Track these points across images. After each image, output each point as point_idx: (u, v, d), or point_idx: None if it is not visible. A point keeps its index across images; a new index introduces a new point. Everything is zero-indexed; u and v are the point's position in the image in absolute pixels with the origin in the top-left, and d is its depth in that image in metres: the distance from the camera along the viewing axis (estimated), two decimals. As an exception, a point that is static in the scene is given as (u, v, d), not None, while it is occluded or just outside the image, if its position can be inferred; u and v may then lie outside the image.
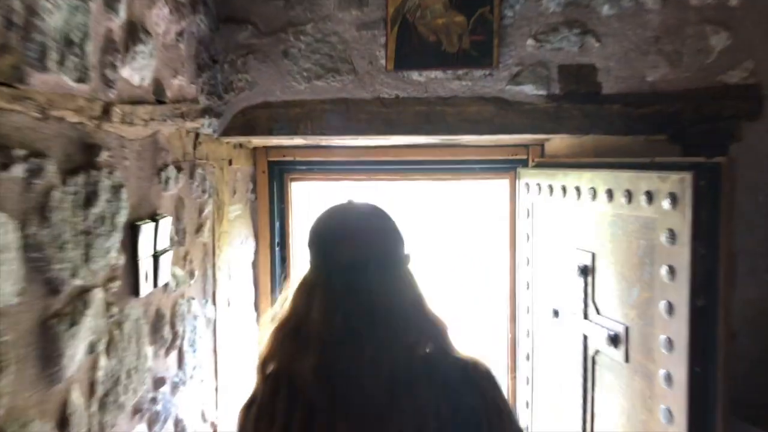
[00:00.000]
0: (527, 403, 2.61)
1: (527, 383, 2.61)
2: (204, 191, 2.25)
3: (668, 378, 1.72)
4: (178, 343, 1.99)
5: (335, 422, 1.01)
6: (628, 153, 2.20)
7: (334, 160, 2.81)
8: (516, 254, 2.69)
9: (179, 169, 1.98)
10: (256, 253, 2.88)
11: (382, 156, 2.77)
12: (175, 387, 1.98)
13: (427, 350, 1.09)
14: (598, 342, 2.05)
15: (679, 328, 1.68)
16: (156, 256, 1.68)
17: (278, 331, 1.12)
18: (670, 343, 1.71)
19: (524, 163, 2.69)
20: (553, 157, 2.55)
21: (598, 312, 2.07)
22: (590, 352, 2.12)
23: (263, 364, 1.13)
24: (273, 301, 2.93)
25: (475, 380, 1.08)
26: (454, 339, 1.14)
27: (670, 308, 1.71)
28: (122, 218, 1.49)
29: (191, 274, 2.16)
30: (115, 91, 1.45)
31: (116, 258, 1.47)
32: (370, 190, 2.95)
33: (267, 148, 2.80)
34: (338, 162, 2.83)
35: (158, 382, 1.81)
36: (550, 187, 2.36)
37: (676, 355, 1.69)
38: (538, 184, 2.45)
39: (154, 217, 1.69)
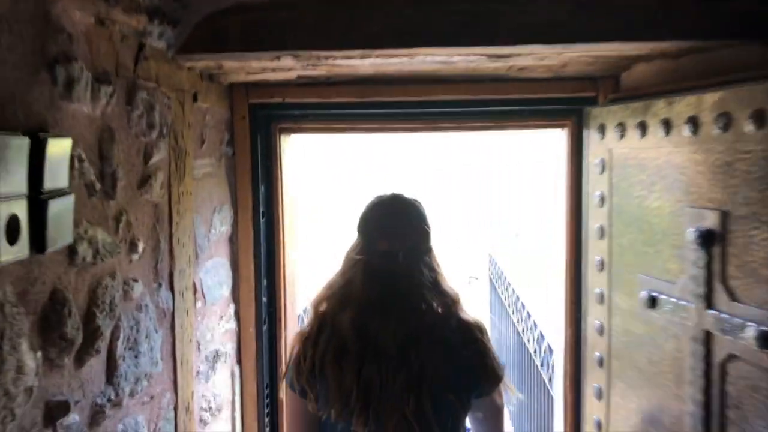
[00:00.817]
0: (599, 425, 1.93)
1: (599, 398, 1.92)
2: (152, 127, 1.57)
3: None
4: (102, 344, 1.31)
5: (363, 361, 1.35)
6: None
7: (336, 102, 2.12)
8: (582, 225, 2.00)
9: (102, 81, 1.30)
10: (235, 224, 2.20)
11: (401, 96, 2.09)
12: (98, 412, 1.30)
13: (437, 316, 1.41)
14: (733, 342, 1.37)
15: None
16: (39, 199, 0.99)
17: (331, 283, 1.48)
18: None
19: (592, 102, 2.01)
20: (636, 90, 1.86)
21: (732, 298, 1.39)
22: (717, 358, 1.43)
23: (317, 304, 1.48)
24: (257, 288, 2.24)
25: (470, 337, 1.42)
26: (462, 306, 1.47)
27: None
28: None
29: (131, 245, 1.48)
30: None
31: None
32: (385, 144, 2.26)
33: (247, 86, 2.11)
34: (342, 105, 2.14)
35: (57, 410, 1.12)
36: (642, 126, 1.68)
37: None
38: (621, 124, 1.77)
39: (34, 134, 1.00)
